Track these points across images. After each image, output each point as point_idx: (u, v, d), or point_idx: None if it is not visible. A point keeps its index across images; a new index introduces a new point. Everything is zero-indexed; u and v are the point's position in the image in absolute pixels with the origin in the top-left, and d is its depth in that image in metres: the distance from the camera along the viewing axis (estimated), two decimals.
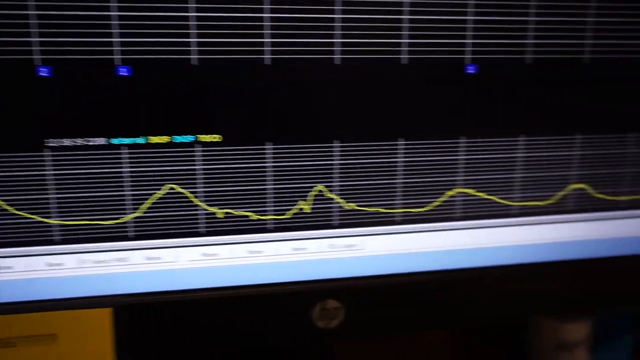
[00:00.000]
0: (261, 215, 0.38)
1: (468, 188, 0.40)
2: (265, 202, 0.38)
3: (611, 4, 0.39)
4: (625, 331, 0.68)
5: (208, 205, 0.37)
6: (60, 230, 0.36)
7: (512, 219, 0.42)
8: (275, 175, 0.37)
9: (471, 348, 0.65)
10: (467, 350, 0.65)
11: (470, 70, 0.38)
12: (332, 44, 0.36)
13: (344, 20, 0.36)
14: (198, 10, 0.34)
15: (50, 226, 0.36)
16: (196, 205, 0.37)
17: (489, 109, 0.39)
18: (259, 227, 0.38)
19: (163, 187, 0.36)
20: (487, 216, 0.41)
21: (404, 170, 0.39)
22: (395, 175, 0.39)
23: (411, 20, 0.36)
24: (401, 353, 0.59)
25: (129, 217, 0.36)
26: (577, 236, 0.43)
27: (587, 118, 0.41)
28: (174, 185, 0.36)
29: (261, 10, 0.35)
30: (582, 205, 0.43)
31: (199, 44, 0.34)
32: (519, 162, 0.41)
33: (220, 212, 0.37)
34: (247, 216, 0.38)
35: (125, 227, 0.37)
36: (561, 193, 0.42)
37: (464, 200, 0.41)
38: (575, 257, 0.44)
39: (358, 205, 0.39)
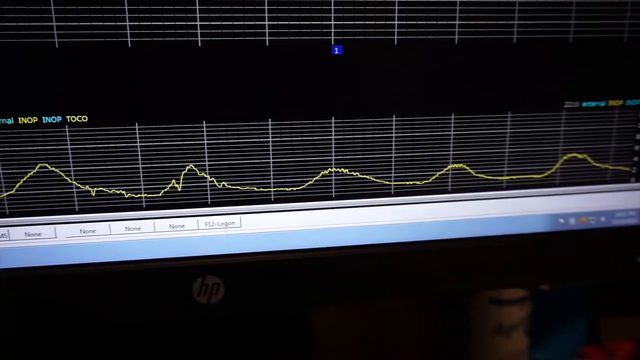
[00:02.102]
0: (134, 193, 0.40)
1: (342, 167, 0.41)
2: (137, 181, 0.39)
3: None
4: (580, 312, 0.70)
5: (80, 183, 0.39)
6: None
7: (389, 198, 0.43)
8: (144, 155, 0.39)
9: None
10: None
11: (337, 51, 0.39)
12: (194, 27, 0.37)
13: (204, 3, 0.37)
14: None
15: None
16: (70, 184, 0.39)
17: (359, 90, 0.40)
18: (133, 205, 0.40)
19: (35, 167, 0.38)
20: (363, 195, 0.42)
21: (275, 150, 0.40)
22: (267, 154, 0.40)
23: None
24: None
25: (2, 195, 0.38)
26: (460, 215, 0.44)
27: (462, 98, 0.41)
28: (46, 165, 0.38)
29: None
30: (462, 184, 0.43)
31: (58, 27, 0.36)
32: (392, 142, 0.41)
33: (93, 191, 0.39)
34: (120, 194, 0.40)
35: (1, 204, 0.38)
36: (439, 172, 0.43)
37: (338, 179, 0.42)
38: (460, 236, 0.44)
39: (230, 184, 0.40)
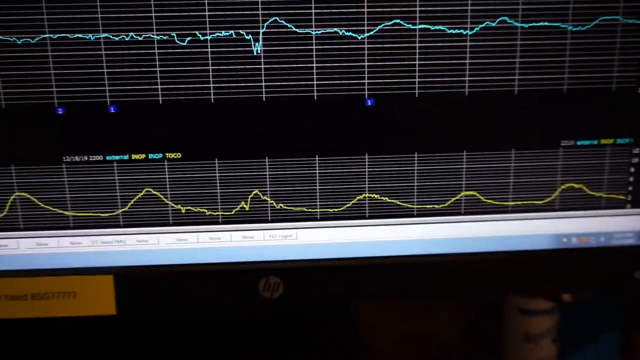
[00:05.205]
0: (213, 211, 0.52)
1: (374, 193, 0.52)
2: (215, 202, 0.52)
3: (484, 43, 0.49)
4: (613, 325, 0.75)
5: (174, 203, 0.52)
6: (75, 219, 0.52)
7: (413, 218, 0.53)
8: (222, 183, 0.51)
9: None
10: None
11: (369, 103, 0.50)
12: (259, 86, 0.49)
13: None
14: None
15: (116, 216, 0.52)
16: (166, 204, 0.52)
17: (386, 133, 0.51)
18: (212, 220, 0.52)
19: (142, 190, 0.51)
20: (391, 216, 0.53)
21: (320, 179, 0.51)
22: (314, 183, 0.52)
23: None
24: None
25: (119, 211, 0.52)
26: (472, 234, 0.53)
27: (473, 139, 0.51)
28: (150, 189, 0.51)
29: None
30: (474, 208, 0.53)
31: (163, 89, 0.49)
32: (414, 174, 0.52)
33: (183, 209, 0.52)
34: (203, 212, 0.52)
35: (117, 217, 0.52)
36: (454, 198, 0.52)
37: (371, 202, 0.52)
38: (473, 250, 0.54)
39: (285, 206, 0.52)
